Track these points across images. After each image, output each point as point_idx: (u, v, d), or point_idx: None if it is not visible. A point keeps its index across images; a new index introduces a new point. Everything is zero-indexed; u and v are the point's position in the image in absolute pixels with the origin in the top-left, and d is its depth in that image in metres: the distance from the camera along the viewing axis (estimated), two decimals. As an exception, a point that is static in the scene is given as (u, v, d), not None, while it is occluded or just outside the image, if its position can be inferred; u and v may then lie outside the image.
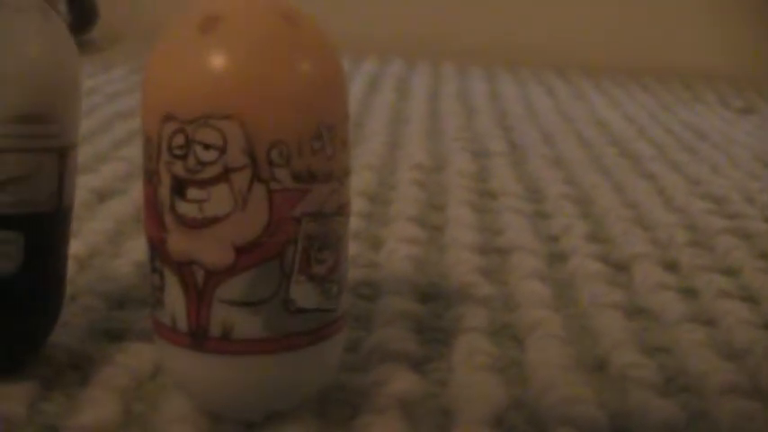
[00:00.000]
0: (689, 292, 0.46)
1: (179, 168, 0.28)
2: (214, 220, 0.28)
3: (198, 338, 0.29)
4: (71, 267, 0.38)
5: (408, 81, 1.00)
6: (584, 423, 0.33)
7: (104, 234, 0.48)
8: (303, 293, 0.29)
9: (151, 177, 0.29)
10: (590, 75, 1.09)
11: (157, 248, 0.29)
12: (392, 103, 0.87)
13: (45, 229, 0.32)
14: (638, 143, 0.77)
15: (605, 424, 0.33)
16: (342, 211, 0.30)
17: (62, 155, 0.32)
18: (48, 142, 0.32)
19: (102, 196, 0.55)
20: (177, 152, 0.28)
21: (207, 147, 0.28)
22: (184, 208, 0.28)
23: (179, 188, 0.28)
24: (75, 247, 0.41)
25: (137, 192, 0.55)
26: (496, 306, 0.43)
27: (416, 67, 1.09)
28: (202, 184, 0.28)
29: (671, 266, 0.49)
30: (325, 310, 0.30)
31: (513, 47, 1.10)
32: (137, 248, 0.46)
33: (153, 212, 0.29)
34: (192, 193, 0.28)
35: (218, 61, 0.28)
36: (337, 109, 0.30)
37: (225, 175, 0.28)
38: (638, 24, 1.14)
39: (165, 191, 0.28)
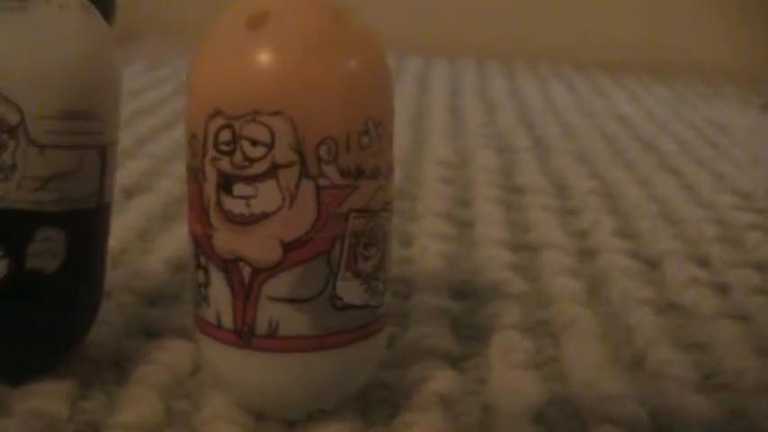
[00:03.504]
0: (721, 288, 0.45)
1: (226, 164, 0.28)
2: (262, 217, 0.28)
3: (244, 336, 0.29)
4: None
5: (428, 77, 1.00)
6: (624, 420, 0.33)
7: (134, 230, 0.48)
8: (349, 290, 0.29)
9: (196, 174, 0.29)
10: (608, 70, 1.09)
11: (202, 245, 0.29)
12: (413, 99, 0.87)
13: (86, 227, 0.32)
14: (661, 139, 0.77)
15: (646, 421, 0.33)
16: (387, 207, 0.30)
17: (103, 152, 0.32)
18: (90, 139, 0.32)
19: (129, 193, 0.55)
20: (224, 148, 0.28)
21: (255, 143, 0.27)
22: (231, 204, 0.28)
23: (226, 184, 0.28)
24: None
25: (163, 189, 0.55)
26: (530, 303, 0.42)
27: (435, 63, 1.08)
28: (250, 180, 0.28)
29: (702, 262, 0.48)
30: (370, 306, 0.30)
31: (532, 43, 1.10)
32: (166, 245, 0.46)
33: (198, 209, 0.29)
34: (240, 189, 0.28)
35: (266, 57, 0.27)
36: (384, 105, 0.29)
37: (273, 172, 0.27)
38: (657, 20, 1.13)
39: (211, 187, 0.28)
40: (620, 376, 0.36)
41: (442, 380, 0.35)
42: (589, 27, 1.13)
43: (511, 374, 0.36)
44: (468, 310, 0.41)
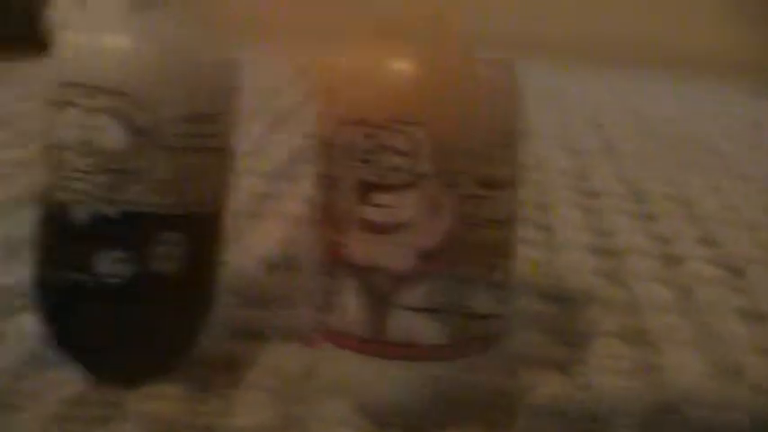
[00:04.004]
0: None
1: (366, 173, 0.28)
2: (400, 226, 0.28)
3: (376, 344, 0.29)
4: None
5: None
6: (730, 430, 0.33)
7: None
8: (481, 300, 0.29)
9: (330, 181, 0.29)
10: (673, 73, 1.08)
11: (334, 252, 0.29)
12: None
13: (205, 230, 0.33)
14: (727, 143, 0.76)
15: (750, 432, 0.33)
16: (515, 217, 0.30)
17: (224, 155, 0.32)
18: (212, 142, 0.32)
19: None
20: (365, 157, 0.28)
21: (397, 152, 0.27)
22: (369, 212, 0.28)
23: (365, 193, 0.28)
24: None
25: (245, 190, 0.55)
26: (622, 309, 0.42)
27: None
28: (390, 189, 0.28)
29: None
30: (498, 315, 0.30)
31: (599, 43, 1.09)
32: (256, 245, 0.46)
33: (331, 217, 0.29)
34: (379, 197, 0.28)
35: (411, 69, 0.28)
36: (517, 117, 0.29)
37: (414, 181, 0.28)
38: (718, 21, 1.13)
39: (347, 195, 0.28)
40: (724, 385, 0.36)
41: (551, 386, 0.35)
42: (655, 29, 1.12)
43: (615, 381, 0.36)
44: (564, 315, 0.42)
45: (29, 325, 0.38)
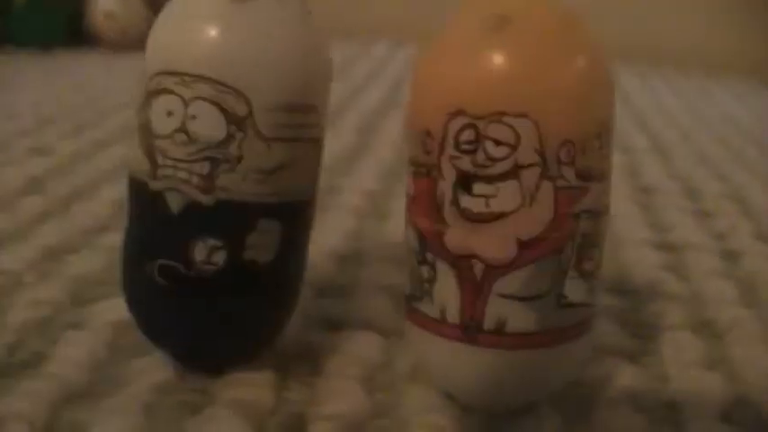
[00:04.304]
0: None
1: (466, 163, 0.28)
2: (500, 216, 0.28)
3: (471, 332, 0.29)
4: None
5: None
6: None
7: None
8: (574, 289, 0.30)
9: (428, 171, 0.29)
10: (712, 72, 1.08)
11: (431, 242, 0.30)
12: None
13: (299, 219, 0.33)
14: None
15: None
16: (607, 209, 0.31)
17: (316, 144, 0.33)
18: (307, 132, 0.32)
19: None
20: (465, 147, 0.28)
21: (498, 143, 0.28)
22: (469, 202, 0.29)
23: (465, 183, 0.28)
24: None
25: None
26: (688, 303, 0.43)
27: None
28: (491, 179, 0.28)
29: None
30: (589, 305, 0.30)
31: (633, 44, 1.09)
32: (324, 234, 0.47)
33: (428, 206, 0.30)
34: (479, 188, 0.28)
35: (511, 60, 0.28)
36: (612, 108, 0.30)
37: (515, 172, 0.28)
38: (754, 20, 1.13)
39: (446, 185, 0.29)
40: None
41: (626, 377, 0.36)
42: (691, 29, 1.12)
43: (689, 373, 0.36)
44: (632, 308, 0.42)
45: (108, 313, 0.38)
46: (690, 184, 0.62)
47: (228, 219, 0.31)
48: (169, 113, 0.31)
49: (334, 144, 0.62)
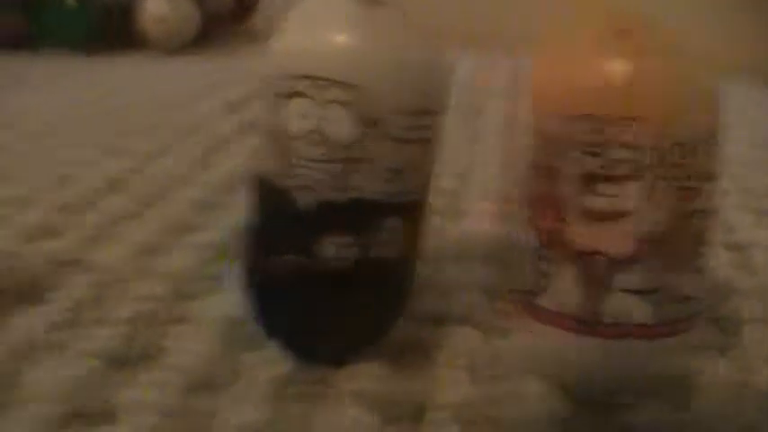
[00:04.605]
0: None
1: (592, 165, 0.30)
2: (622, 214, 0.30)
3: (590, 324, 0.31)
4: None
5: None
6: None
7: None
8: (689, 283, 0.31)
9: (549, 171, 0.31)
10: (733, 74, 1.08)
11: (552, 238, 0.31)
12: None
13: (417, 217, 0.35)
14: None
15: None
16: (713, 209, 0.32)
17: (432, 145, 0.34)
18: (429, 134, 0.34)
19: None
20: (591, 150, 0.30)
21: (623, 146, 0.30)
22: (593, 201, 0.30)
23: (589, 183, 0.30)
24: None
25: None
26: (760, 298, 0.44)
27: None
28: (615, 180, 0.30)
29: None
30: (699, 298, 0.32)
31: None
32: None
33: (549, 205, 0.31)
34: (604, 187, 0.30)
35: (638, 68, 0.30)
36: (719, 113, 0.32)
37: (637, 173, 0.30)
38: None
39: (569, 185, 0.31)
40: None
41: (717, 369, 0.37)
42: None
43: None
44: (710, 304, 0.43)
45: (212, 309, 0.40)
46: (745, 185, 0.63)
47: (360, 216, 0.33)
48: (303, 116, 0.32)
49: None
